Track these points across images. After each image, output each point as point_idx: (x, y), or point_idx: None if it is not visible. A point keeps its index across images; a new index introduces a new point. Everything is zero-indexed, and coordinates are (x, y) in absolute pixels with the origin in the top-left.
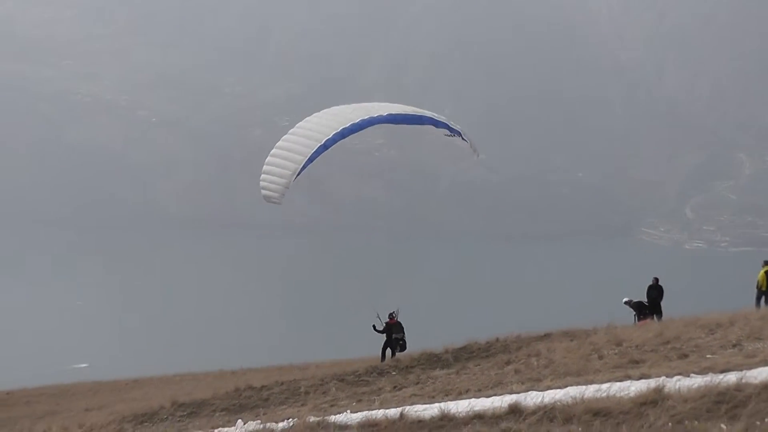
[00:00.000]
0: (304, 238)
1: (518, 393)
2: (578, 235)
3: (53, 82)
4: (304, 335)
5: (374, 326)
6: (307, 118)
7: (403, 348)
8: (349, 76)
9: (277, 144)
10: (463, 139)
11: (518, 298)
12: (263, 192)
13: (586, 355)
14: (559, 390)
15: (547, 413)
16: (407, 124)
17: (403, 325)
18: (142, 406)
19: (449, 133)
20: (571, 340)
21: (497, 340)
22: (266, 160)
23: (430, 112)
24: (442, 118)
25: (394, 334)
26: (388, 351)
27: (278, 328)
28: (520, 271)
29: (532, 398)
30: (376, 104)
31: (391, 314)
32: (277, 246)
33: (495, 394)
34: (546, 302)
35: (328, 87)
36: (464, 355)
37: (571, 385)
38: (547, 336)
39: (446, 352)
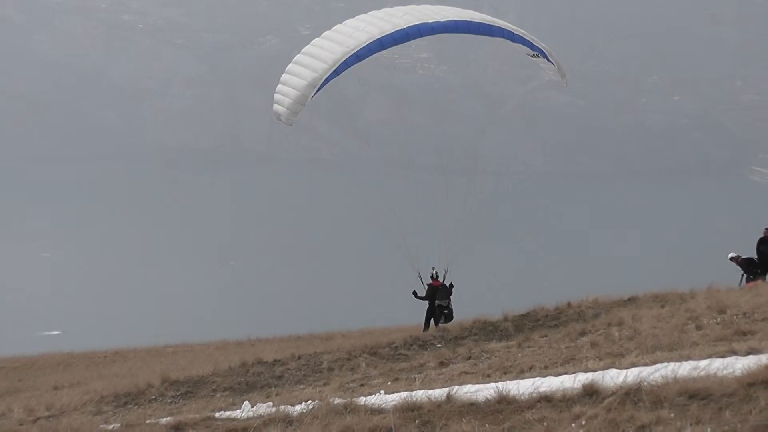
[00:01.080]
0: (328, 175)
1: (595, 371)
2: (673, 174)
3: None
4: (328, 298)
5: (415, 292)
6: (345, 21)
7: (447, 318)
8: None
9: (302, 50)
10: (548, 60)
11: (596, 252)
12: (274, 107)
13: (681, 324)
14: (646, 367)
15: (631, 395)
16: (473, 33)
17: (450, 287)
18: (125, 383)
19: (531, 53)
20: (662, 306)
21: (569, 305)
22: (286, 69)
23: (504, 23)
24: (521, 32)
25: (437, 300)
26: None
27: (295, 288)
28: (599, 218)
29: (612, 377)
30: (430, 8)
31: (433, 274)
32: (294, 185)
33: (566, 373)
34: (631, 258)
35: None
36: (528, 324)
37: (662, 362)
38: (632, 300)
39: (505, 319)
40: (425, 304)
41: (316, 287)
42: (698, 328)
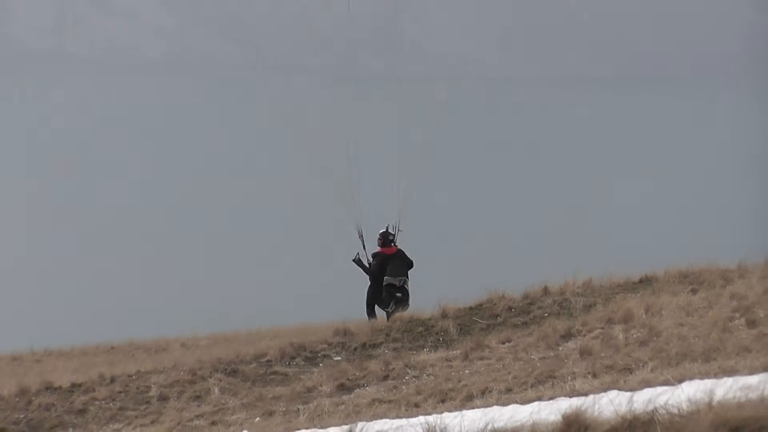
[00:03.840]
0: (157, 82)
1: (586, 395)
2: (714, 78)
3: None
4: (158, 287)
5: (359, 258)
6: None
7: (401, 304)
8: None
9: None
10: None
11: (586, 203)
12: None
13: (724, 319)
14: (666, 387)
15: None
16: None
17: (408, 257)
18: None
19: None
20: (694, 291)
21: (545, 291)
22: None
23: None
24: None
25: (388, 275)
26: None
27: (105, 269)
28: (593, 147)
29: (611, 403)
30: None
31: (386, 234)
32: (101, 98)
33: (539, 398)
34: (643, 213)
35: None
36: (479, 323)
37: (692, 378)
38: (646, 282)
39: (444, 315)
40: (364, 280)
41: (138, 268)
42: (750, 324)
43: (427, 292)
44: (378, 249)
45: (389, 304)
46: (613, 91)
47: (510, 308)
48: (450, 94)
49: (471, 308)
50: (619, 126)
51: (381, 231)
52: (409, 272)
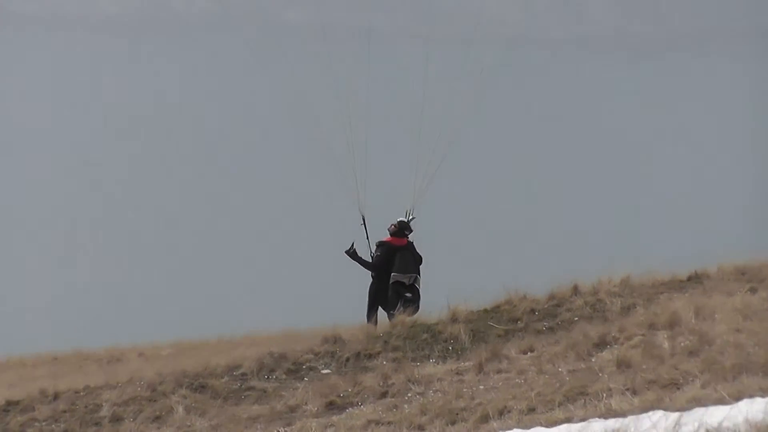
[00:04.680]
0: (114, 45)
1: (624, 415)
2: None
3: None
4: (115, 288)
5: (353, 251)
6: None
7: (410, 305)
8: None
9: None
10: None
11: (623, 187)
12: None
13: None
14: (719, 407)
15: None
16: None
17: (417, 251)
18: None
19: None
20: (752, 290)
21: (575, 291)
22: None
23: None
24: None
25: (395, 272)
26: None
27: (51, 267)
28: (630, 122)
29: (655, 425)
30: None
31: (404, 223)
32: (55, 61)
33: (569, 420)
34: (691, 198)
35: None
36: (496, 328)
37: (751, 395)
38: (695, 280)
39: (453, 319)
40: (358, 276)
41: (89, 264)
42: None
43: (434, 292)
44: (385, 238)
45: (396, 306)
46: (657, 52)
47: (533, 311)
48: (468, 56)
49: (486, 311)
50: (662, 95)
51: (399, 219)
52: (419, 270)
